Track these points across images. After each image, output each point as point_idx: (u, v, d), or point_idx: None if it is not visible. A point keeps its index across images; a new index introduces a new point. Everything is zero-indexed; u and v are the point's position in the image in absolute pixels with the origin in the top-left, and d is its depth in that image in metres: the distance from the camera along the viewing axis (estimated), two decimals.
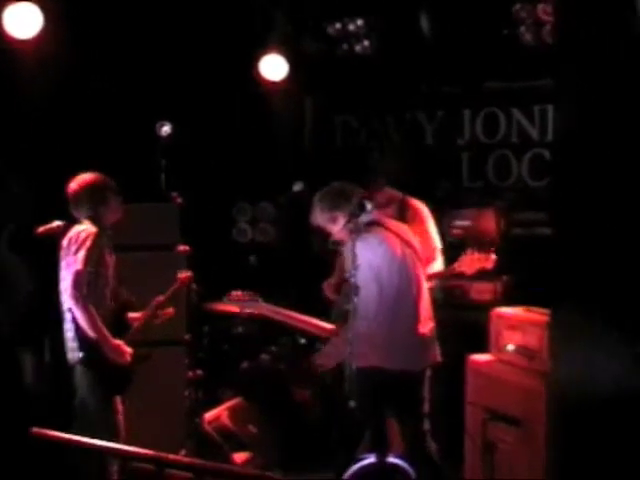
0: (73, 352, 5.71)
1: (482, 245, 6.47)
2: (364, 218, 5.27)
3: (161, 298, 6.12)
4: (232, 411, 7.25)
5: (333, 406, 6.65)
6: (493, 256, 6.27)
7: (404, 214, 6.41)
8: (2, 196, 4.09)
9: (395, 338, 5.39)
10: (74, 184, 5.93)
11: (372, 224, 5.43)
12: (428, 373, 5.61)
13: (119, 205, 6.01)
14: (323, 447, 6.72)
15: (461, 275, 6.36)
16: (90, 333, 5.57)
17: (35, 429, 3.91)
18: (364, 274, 5.17)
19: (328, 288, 6.50)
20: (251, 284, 6.92)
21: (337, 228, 5.40)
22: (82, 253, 5.57)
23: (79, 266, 5.55)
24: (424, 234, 6.31)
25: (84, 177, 5.96)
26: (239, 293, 5.80)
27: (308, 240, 8.74)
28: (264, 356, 7.85)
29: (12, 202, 4.39)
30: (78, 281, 5.53)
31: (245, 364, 7.89)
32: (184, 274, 6.26)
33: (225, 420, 7.10)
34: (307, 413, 7.41)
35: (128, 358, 5.76)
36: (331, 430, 6.45)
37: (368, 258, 5.19)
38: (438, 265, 6.45)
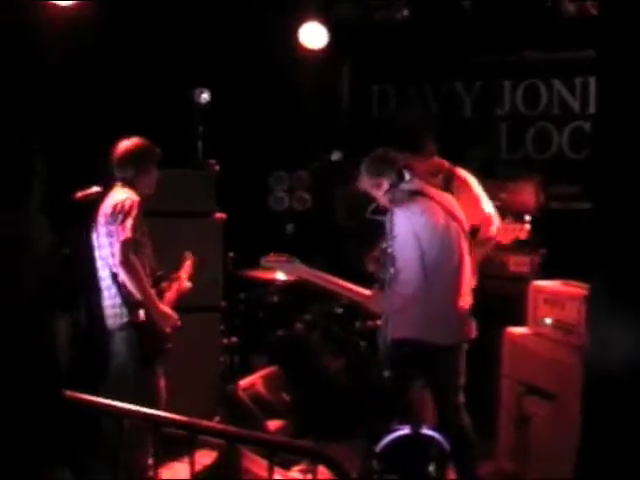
0: (115, 318, 5.71)
1: (519, 217, 6.42)
2: (407, 186, 5.20)
3: (181, 274, 6.06)
4: (266, 379, 7.26)
5: (367, 375, 6.67)
6: (527, 226, 6.23)
7: (450, 184, 6.31)
8: (39, 162, 4.09)
9: (432, 310, 5.30)
10: (122, 146, 5.86)
11: (415, 193, 5.34)
12: (465, 346, 5.53)
13: (156, 177, 5.95)
14: (356, 416, 6.75)
15: (497, 243, 6.31)
16: (139, 297, 5.58)
17: (69, 392, 3.91)
18: (403, 243, 5.13)
19: (370, 260, 6.42)
20: (288, 252, 6.94)
21: (381, 194, 5.35)
22: (129, 222, 5.52)
23: (128, 234, 5.50)
24: (475, 202, 6.22)
25: (134, 141, 5.88)
26: (275, 256, 5.68)
27: (333, 210, 8.77)
28: (298, 324, 7.85)
29: (48, 168, 4.40)
30: (127, 249, 5.51)
31: (279, 332, 7.90)
32: (189, 258, 6.20)
33: (259, 388, 7.12)
34: (340, 382, 7.40)
35: (176, 323, 5.79)
36: (364, 399, 6.46)
37: (407, 227, 5.15)
38: (495, 228, 6.34)
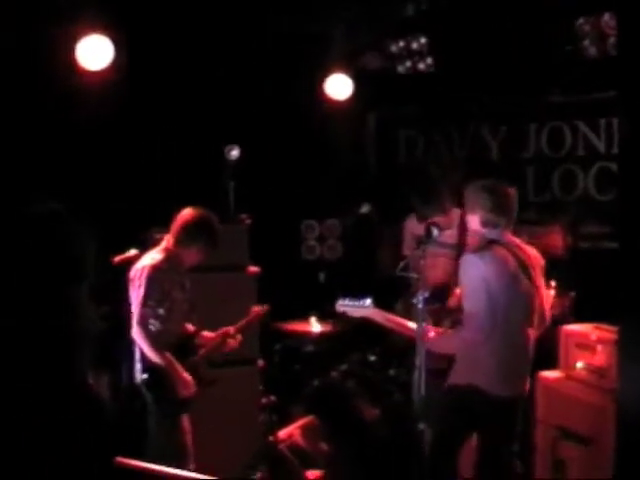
0: (139, 373, 5.88)
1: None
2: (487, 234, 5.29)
3: (231, 329, 6.23)
4: (304, 429, 7.31)
5: (402, 426, 6.74)
6: (552, 284, 6.27)
7: (464, 229, 6.31)
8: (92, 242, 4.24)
9: (502, 359, 5.23)
10: (180, 215, 6.03)
11: (491, 242, 5.33)
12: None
13: (206, 251, 6.06)
14: (392, 463, 6.80)
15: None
16: (157, 361, 5.73)
17: (118, 458, 4.01)
18: (472, 289, 5.17)
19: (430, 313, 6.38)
20: (321, 301, 7.01)
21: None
22: (142, 291, 5.73)
23: (139, 308, 5.73)
24: None
25: (190, 212, 6.03)
26: (349, 300, 5.71)
27: (375, 260, 8.82)
28: (334, 374, 7.91)
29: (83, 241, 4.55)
30: (138, 321, 5.72)
31: (316, 382, 7.96)
32: (259, 308, 6.34)
33: (297, 439, 7.17)
34: (376, 431, 7.45)
35: (192, 392, 5.88)
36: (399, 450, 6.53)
37: (477, 273, 5.16)
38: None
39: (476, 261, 5.16)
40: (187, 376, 5.83)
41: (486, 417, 5.28)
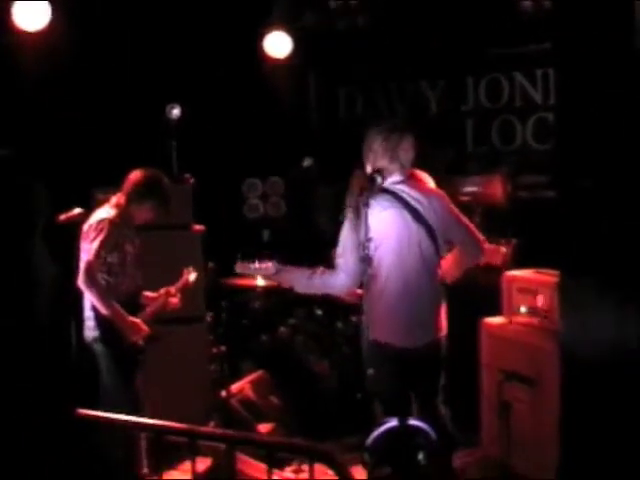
0: (89, 330, 5.91)
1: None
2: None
3: (172, 289, 6.27)
4: (254, 384, 7.41)
5: (349, 376, 6.84)
6: (503, 249, 6.36)
7: None
8: (27, 188, 4.23)
9: (396, 314, 5.24)
10: (132, 175, 6.07)
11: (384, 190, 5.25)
12: (441, 345, 5.42)
13: (156, 210, 6.13)
14: (342, 415, 6.92)
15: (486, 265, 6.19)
16: (104, 312, 5.77)
17: (81, 410, 4.04)
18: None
19: None
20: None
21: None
22: (96, 243, 5.77)
23: (90, 256, 5.76)
24: None
25: (142, 172, 6.08)
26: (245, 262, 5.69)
27: (314, 217, 8.89)
28: (282, 329, 8.00)
29: (35, 193, 4.54)
30: (87, 269, 5.75)
31: (264, 337, 8.05)
32: (190, 273, 6.39)
33: (248, 392, 7.27)
34: (326, 382, 7.56)
35: (144, 334, 5.95)
36: (349, 399, 6.62)
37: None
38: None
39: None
40: (135, 320, 5.90)
41: (400, 366, 5.26)
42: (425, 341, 5.31)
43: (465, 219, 5.43)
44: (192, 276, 6.38)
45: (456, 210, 5.43)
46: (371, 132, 5.41)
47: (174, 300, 6.27)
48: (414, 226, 5.25)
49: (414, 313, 5.27)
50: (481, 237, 5.45)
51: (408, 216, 5.24)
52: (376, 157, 5.33)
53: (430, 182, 5.61)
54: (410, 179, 5.38)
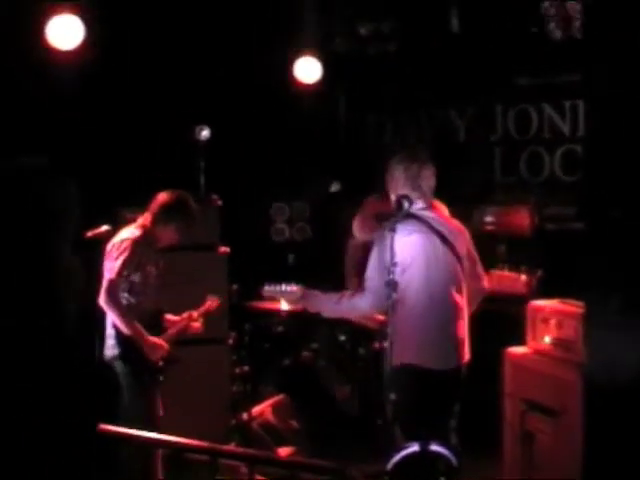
0: (110, 349, 5.94)
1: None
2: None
3: (195, 313, 6.31)
4: (275, 407, 7.39)
5: (370, 401, 6.80)
6: (523, 277, 6.31)
7: None
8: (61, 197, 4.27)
9: (427, 336, 5.23)
10: (159, 196, 6.12)
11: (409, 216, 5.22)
12: (463, 371, 5.42)
13: (180, 231, 6.16)
14: (363, 441, 6.88)
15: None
16: (125, 331, 5.80)
17: (102, 425, 4.04)
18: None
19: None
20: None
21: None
22: (119, 262, 5.81)
23: (112, 275, 5.80)
24: None
25: (169, 194, 6.12)
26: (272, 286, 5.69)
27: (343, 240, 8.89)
28: (305, 353, 8.00)
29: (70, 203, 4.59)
30: (109, 288, 5.79)
31: (286, 361, 8.04)
32: (213, 301, 6.42)
33: (269, 416, 7.25)
34: (346, 408, 7.54)
35: (164, 353, 5.97)
36: (369, 425, 6.58)
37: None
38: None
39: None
40: (155, 339, 5.92)
41: (426, 392, 5.24)
42: (453, 365, 5.31)
43: (476, 254, 5.51)
44: (215, 303, 6.40)
45: (473, 246, 5.50)
46: (392, 161, 5.45)
47: (196, 325, 6.31)
48: (442, 249, 5.28)
49: (446, 335, 5.28)
50: (482, 272, 5.55)
51: (436, 239, 5.27)
52: (397, 185, 5.36)
53: (446, 211, 5.62)
54: (432, 207, 5.42)
